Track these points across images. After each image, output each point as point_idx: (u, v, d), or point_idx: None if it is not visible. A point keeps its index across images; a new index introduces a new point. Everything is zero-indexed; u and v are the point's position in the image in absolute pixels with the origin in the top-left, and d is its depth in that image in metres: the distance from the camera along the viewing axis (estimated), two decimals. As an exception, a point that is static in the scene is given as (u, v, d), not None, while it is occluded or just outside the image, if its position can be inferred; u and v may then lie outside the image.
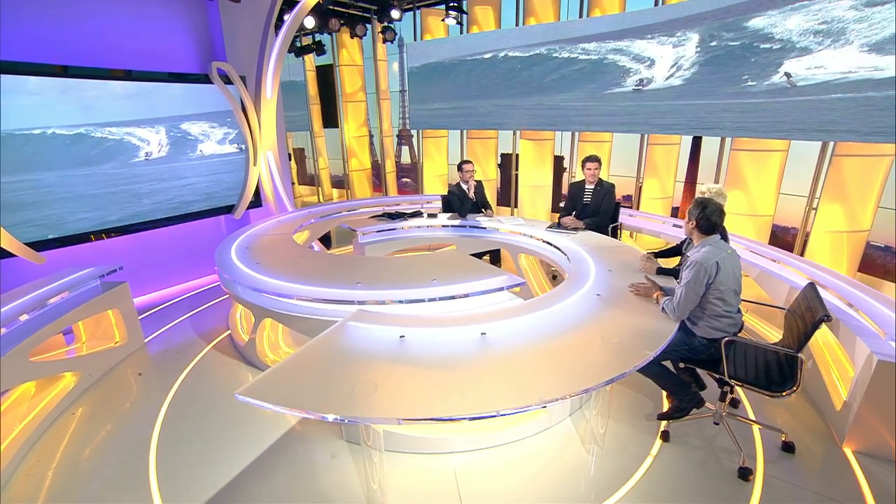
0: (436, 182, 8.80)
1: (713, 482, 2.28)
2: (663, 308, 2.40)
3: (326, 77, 9.47)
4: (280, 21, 5.33)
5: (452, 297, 2.74)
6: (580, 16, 6.13)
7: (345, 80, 9.14)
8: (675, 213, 6.27)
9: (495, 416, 1.74)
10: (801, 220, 4.65)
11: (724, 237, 2.79)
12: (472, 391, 1.86)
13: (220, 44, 4.98)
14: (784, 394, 2.14)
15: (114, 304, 3.51)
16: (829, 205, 4.35)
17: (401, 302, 2.71)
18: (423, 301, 2.72)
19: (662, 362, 2.54)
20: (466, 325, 2.36)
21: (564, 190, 7.64)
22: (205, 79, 4.79)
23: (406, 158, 10.03)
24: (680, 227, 5.27)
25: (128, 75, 4.33)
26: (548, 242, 3.97)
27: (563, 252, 3.66)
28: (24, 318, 2.91)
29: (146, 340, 3.84)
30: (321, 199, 10.51)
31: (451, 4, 6.28)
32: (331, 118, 9.78)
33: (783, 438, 2.49)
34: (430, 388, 1.89)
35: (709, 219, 2.27)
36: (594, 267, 3.21)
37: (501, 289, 2.85)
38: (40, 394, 2.96)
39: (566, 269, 3.41)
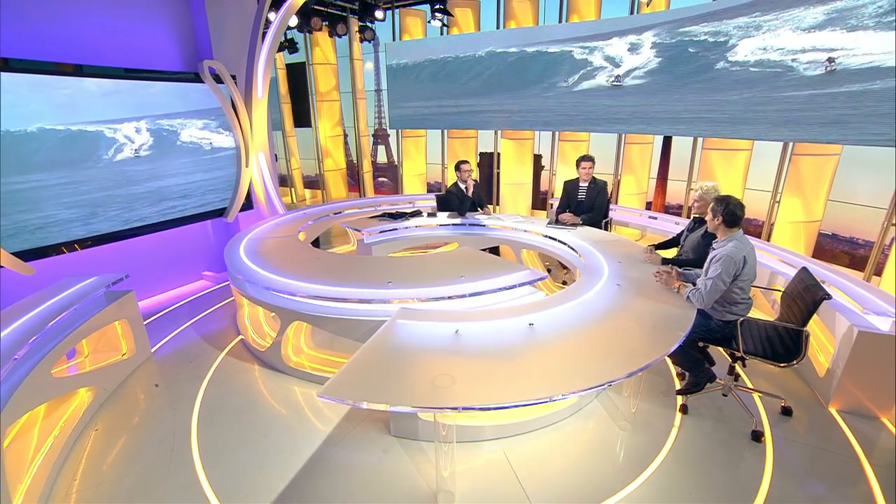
0: (415, 181, 8.88)
1: (732, 445, 2.59)
2: (688, 297, 2.67)
3: (297, 75, 9.26)
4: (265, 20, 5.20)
5: (505, 289, 2.94)
6: (559, 20, 6.43)
7: (318, 78, 8.97)
8: (648, 206, 6.74)
9: (568, 396, 1.92)
10: (767, 212, 5.21)
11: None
12: (537, 377, 2.03)
13: (205, 42, 4.80)
14: (793, 363, 2.47)
15: (121, 315, 3.36)
16: (790, 198, 4.91)
17: (462, 297, 2.87)
18: (480, 294, 2.92)
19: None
20: (514, 316, 2.52)
21: (543, 187, 7.98)
22: (194, 77, 4.61)
23: (382, 158, 10.01)
24: (655, 218, 5.71)
25: (112, 73, 4.10)
26: (552, 238, 4.21)
27: (571, 247, 3.90)
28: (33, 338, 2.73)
29: (153, 350, 3.69)
30: (294, 200, 10.26)
31: (437, 7, 6.37)
32: (303, 117, 9.57)
33: (783, 404, 2.85)
34: (501, 376, 2.03)
35: (733, 213, 2.53)
36: (604, 260, 3.47)
37: (533, 282, 3.03)
38: (54, 413, 2.80)
39: (577, 264, 3.65)
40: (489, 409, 1.87)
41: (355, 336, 2.91)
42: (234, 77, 4.89)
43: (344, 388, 1.97)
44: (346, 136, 9.71)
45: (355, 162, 9.47)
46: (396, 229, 4.74)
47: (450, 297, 2.87)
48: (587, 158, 4.55)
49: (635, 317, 2.56)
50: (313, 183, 10.41)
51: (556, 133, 6.98)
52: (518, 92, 6.67)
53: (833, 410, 2.87)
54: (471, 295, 2.93)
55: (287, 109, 9.65)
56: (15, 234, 3.60)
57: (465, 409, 1.84)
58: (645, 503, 2.22)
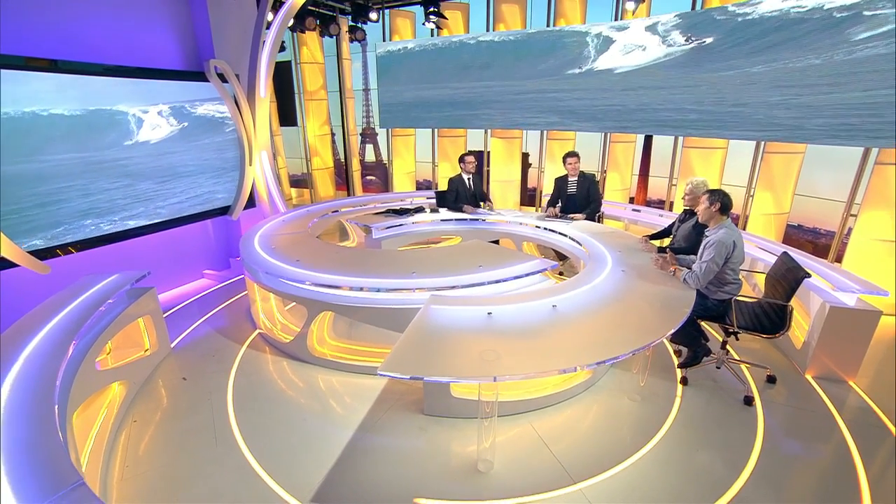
0: (404, 180, 9.04)
1: (728, 410, 2.93)
2: (684, 279, 2.99)
3: (282, 74, 9.22)
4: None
5: (526, 275, 3.24)
6: (547, 25, 6.73)
7: (306, 77, 8.98)
8: (631, 201, 7.16)
9: (606, 362, 2.19)
10: (742, 205, 5.69)
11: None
12: (570, 349, 2.28)
13: (207, 41, 4.83)
14: (778, 335, 2.82)
15: (145, 312, 3.41)
16: (762, 192, 5.38)
17: (493, 282, 3.15)
18: (508, 280, 3.20)
19: (679, 321, 3.14)
20: (538, 299, 2.77)
21: (531, 184, 8.30)
22: (199, 76, 4.63)
23: (370, 156, 10.10)
24: (639, 211, 6.10)
25: (118, 71, 4.10)
26: (553, 231, 4.50)
27: (574, 240, 4.18)
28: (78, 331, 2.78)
29: (172, 346, 3.74)
30: (281, 199, 10.20)
31: (431, 10, 6.55)
32: (288, 116, 9.54)
33: (768, 373, 3.23)
34: (539, 351, 2.27)
35: (724, 205, 2.87)
36: (605, 249, 3.77)
37: (546, 269, 3.29)
38: (88, 409, 2.84)
39: (581, 254, 3.95)
40: (548, 373, 2.14)
41: (386, 324, 3.09)
42: (238, 77, 4.93)
43: (400, 366, 2.16)
44: (333, 135, 9.75)
45: (343, 161, 9.53)
46: (403, 225, 4.92)
47: (483, 284, 3.14)
48: (572, 154, 4.83)
49: (643, 298, 2.85)
50: (299, 182, 10.39)
51: (544, 132, 7.29)
52: (518, 79, 6.71)
53: (809, 377, 3.27)
54: (489, 282, 3.18)
55: (273, 108, 9.58)
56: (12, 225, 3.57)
57: (530, 376, 2.10)
58: (659, 462, 2.52)
